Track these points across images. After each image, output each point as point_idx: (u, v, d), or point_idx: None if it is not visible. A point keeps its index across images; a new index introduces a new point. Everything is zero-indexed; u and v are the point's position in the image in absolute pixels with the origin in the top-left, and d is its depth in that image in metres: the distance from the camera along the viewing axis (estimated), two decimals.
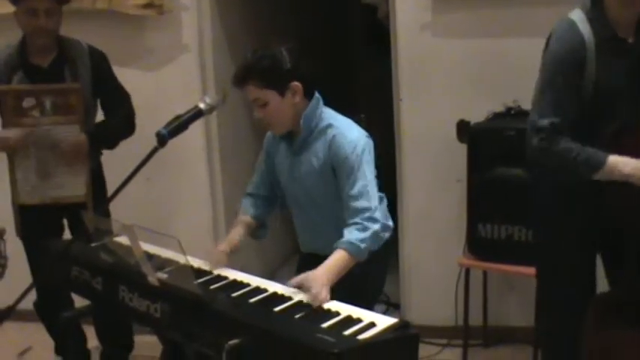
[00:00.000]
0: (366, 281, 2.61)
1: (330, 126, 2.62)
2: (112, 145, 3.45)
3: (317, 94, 2.66)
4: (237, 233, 2.78)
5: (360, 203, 2.51)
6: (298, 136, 2.66)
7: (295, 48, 2.59)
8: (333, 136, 2.58)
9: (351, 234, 2.47)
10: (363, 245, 2.46)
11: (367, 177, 2.54)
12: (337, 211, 2.59)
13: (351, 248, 2.45)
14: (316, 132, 2.63)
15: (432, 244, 3.90)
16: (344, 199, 2.55)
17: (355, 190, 2.52)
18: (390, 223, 2.77)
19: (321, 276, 2.34)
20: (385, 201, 2.77)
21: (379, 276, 2.82)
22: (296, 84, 2.56)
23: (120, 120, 3.49)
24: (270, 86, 2.54)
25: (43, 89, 3.30)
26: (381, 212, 2.64)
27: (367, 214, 2.49)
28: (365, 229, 2.48)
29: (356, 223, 2.49)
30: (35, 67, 3.34)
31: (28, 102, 3.28)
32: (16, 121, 3.29)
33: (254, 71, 2.54)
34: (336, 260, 2.44)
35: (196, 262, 2.62)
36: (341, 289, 2.31)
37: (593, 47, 2.50)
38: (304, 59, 2.61)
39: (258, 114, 2.60)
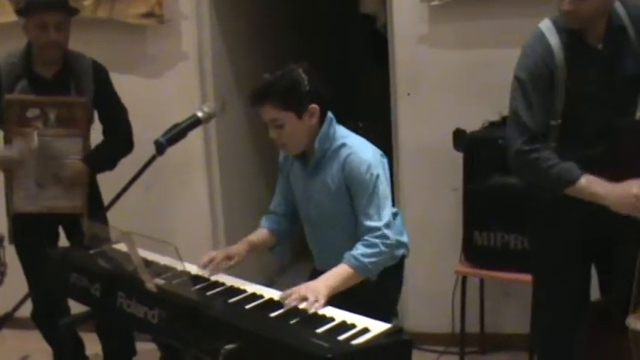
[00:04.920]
0: (379, 296, 2.62)
1: (343, 145, 2.60)
2: (111, 167, 3.47)
3: (329, 114, 2.64)
4: (238, 246, 2.76)
5: (372, 222, 2.53)
6: (312, 157, 2.65)
7: (311, 69, 2.58)
8: (348, 156, 2.57)
9: (357, 249, 2.49)
10: (367, 261, 2.47)
11: (380, 196, 2.55)
12: (350, 228, 2.60)
13: (354, 262, 2.47)
14: (330, 152, 2.61)
15: (428, 252, 3.92)
16: (358, 217, 2.57)
17: (368, 210, 2.54)
18: (405, 238, 2.78)
19: (318, 286, 2.36)
20: (399, 217, 2.78)
21: (393, 290, 2.83)
22: (314, 106, 2.55)
23: (119, 141, 3.51)
24: (289, 108, 2.52)
25: (49, 101, 3.31)
26: (395, 229, 2.66)
27: (377, 233, 2.51)
28: (372, 245, 2.50)
29: (365, 240, 2.51)
30: (39, 77, 3.35)
31: (32, 112, 3.29)
32: (18, 130, 3.31)
33: (273, 92, 2.51)
34: (336, 272, 2.46)
35: (193, 269, 2.64)
36: (353, 303, 2.29)
37: (562, 56, 2.53)
38: (319, 80, 2.59)
39: (274, 134, 2.58)
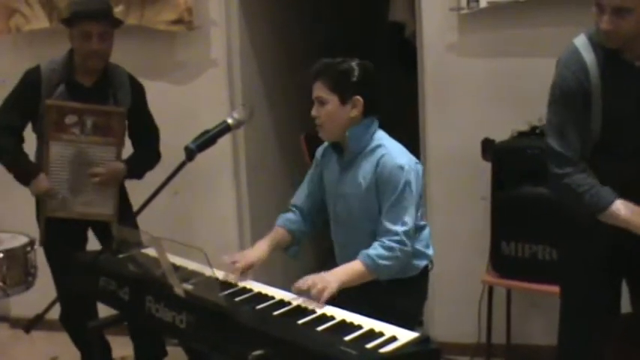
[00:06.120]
0: (403, 307, 2.64)
1: (380, 146, 2.65)
2: (141, 175, 3.52)
3: (373, 116, 2.69)
4: (258, 251, 2.76)
5: (392, 226, 2.55)
6: (347, 151, 2.70)
7: (369, 67, 2.67)
8: (382, 156, 2.62)
9: (373, 249, 2.52)
10: (381, 262, 2.50)
11: (406, 202, 2.56)
12: (375, 230, 2.61)
13: (367, 261, 2.50)
14: (366, 151, 2.66)
15: (455, 262, 3.90)
16: (380, 217, 2.59)
17: (391, 212, 2.56)
18: (430, 251, 2.79)
19: (329, 278, 2.42)
20: (427, 230, 2.79)
21: (416, 302, 2.85)
22: (358, 98, 2.62)
23: (151, 153, 3.57)
24: (336, 90, 2.61)
25: (88, 109, 3.36)
26: (422, 241, 2.71)
27: (396, 237, 2.53)
28: (389, 248, 2.52)
29: (382, 242, 2.53)
30: (78, 85, 3.40)
31: (70, 119, 3.34)
32: (55, 135, 3.35)
33: (327, 71, 2.64)
34: (349, 268, 2.52)
35: (222, 275, 2.65)
36: (377, 313, 2.30)
37: (598, 74, 2.48)
38: (375, 80, 2.68)
39: (315, 112, 2.66)
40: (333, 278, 2.43)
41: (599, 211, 2.50)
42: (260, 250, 2.76)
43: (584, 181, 2.52)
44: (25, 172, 3.38)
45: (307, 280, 2.40)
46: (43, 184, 3.34)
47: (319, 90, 2.64)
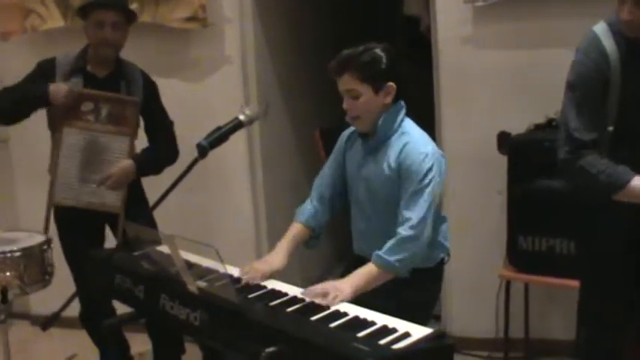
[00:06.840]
0: (415, 299, 2.62)
1: (406, 133, 2.63)
2: (157, 171, 3.50)
3: (401, 102, 2.68)
4: (275, 261, 2.70)
5: (406, 212, 2.52)
6: (374, 136, 2.67)
7: (392, 50, 2.64)
8: (406, 143, 2.60)
9: (385, 246, 2.50)
10: (392, 258, 2.48)
11: (425, 191, 2.53)
12: (394, 217, 2.58)
13: (378, 261, 2.49)
14: (393, 138, 2.64)
15: (472, 256, 3.89)
16: (400, 204, 2.56)
17: (410, 200, 2.53)
18: (447, 244, 2.77)
19: (342, 285, 2.40)
20: (446, 224, 2.78)
21: (429, 294, 2.82)
22: (391, 84, 2.60)
23: (166, 147, 3.57)
24: (368, 81, 2.57)
25: (103, 96, 3.38)
26: (441, 232, 2.71)
27: (407, 224, 2.50)
28: (399, 241, 2.49)
29: (396, 234, 2.51)
30: (92, 75, 3.43)
31: (86, 106, 3.37)
32: (70, 122, 3.37)
33: (355, 62, 2.57)
34: (362, 272, 2.49)
35: (235, 272, 2.65)
36: (389, 304, 2.30)
37: (618, 61, 2.47)
38: (400, 63, 2.65)
39: (348, 105, 2.62)
40: (346, 285, 2.41)
41: (617, 189, 2.47)
42: (277, 261, 2.70)
43: (598, 162, 2.50)
44: (37, 92, 3.34)
45: (318, 289, 2.38)
46: (62, 86, 3.33)
47: (349, 83, 2.59)
